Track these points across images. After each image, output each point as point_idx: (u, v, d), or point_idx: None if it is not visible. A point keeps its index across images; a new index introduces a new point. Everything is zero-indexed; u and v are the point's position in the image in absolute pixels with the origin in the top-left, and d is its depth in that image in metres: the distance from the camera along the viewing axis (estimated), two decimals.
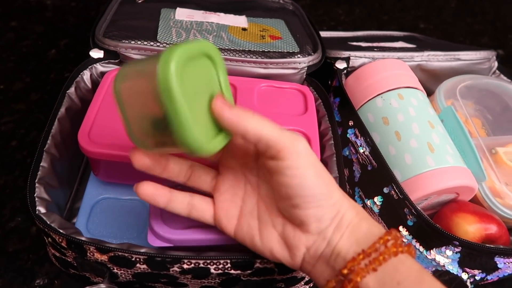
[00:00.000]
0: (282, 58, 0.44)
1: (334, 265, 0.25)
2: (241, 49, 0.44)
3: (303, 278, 0.33)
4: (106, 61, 0.43)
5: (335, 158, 0.38)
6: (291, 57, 0.45)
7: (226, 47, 0.44)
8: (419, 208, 0.35)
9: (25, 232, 0.39)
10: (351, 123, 0.43)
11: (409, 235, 0.37)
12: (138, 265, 0.30)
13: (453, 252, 0.35)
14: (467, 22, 0.81)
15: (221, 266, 0.30)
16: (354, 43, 0.58)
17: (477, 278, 0.37)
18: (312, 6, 0.78)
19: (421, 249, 0.36)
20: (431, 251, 0.36)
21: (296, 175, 0.25)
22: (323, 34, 0.65)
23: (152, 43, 0.43)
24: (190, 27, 0.47)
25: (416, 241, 0.36)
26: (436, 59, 0.50)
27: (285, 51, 0.45)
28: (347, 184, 0.40)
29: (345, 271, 0.24)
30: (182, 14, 0.51)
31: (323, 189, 0.25)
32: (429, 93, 0.48)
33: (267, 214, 0.27)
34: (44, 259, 0.38)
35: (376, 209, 0.39)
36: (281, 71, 0.45)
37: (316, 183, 0.25)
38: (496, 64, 0.54)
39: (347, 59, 0.48)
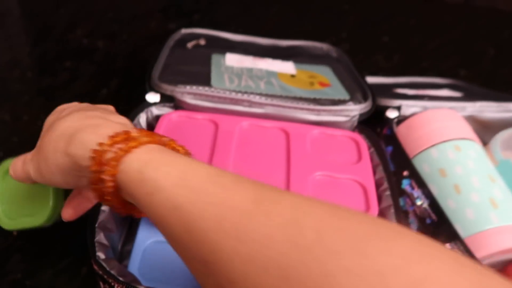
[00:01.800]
0: (334, 105, 0.44)
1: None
2: (292, 95, 0.45)
3: None
4: (161, 104, 0.44)
5: (393, 210, 0.37)
6: (342, 105, 0.45)
7: (278, 94, 0.45)
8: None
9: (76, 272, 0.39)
10: (405, 173, 0.42)
11: None
12: None
13: None
14: (507, 71, 0.81)
15: None
16: (399, 90, 0.58)
17: None
18: (351, 52, 0.79)
19: None
20: None
21: None
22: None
23: (206, 89, 0.44)
24: (241, 73, 0.48)
25: None
26: (488, 110, 0.50)
27: (336, 98, 0.46)
28: None
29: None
30: (232, 59, 0.52)
31: None
32: (483, 143, 0.47)
33: None
34: None
35: None
36: (333, 119, 0.45)
37: None
38: None
39: (398, 108, 0.48)
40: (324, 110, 0.44)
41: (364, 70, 0.74)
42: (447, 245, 0.36)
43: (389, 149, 0.45)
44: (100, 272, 0.30)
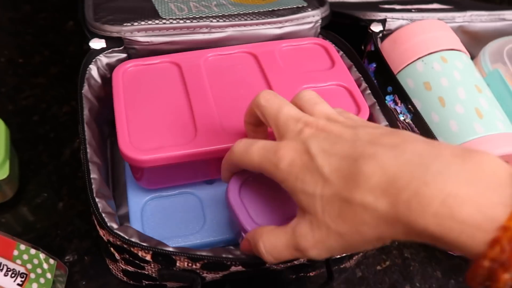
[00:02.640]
0: (294, 14, 0.41)
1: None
2: (250, 11, 0.41)
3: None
4: (110, 49, 0.38)
5: (378, 107, 0.36)
6: (303, 12, 0.42)
7: (234, 13, 0.41)
8: None
9: (52, 208, 0.38)
10: (389, 89, 0.40)
11: None
12: (232, 267, 0.28)
13: None
14: None
15: None
16: (387, 6, 0.54)
17: None
18: None
19: None
20: None
21: None
22: None
23: (157, 21, 0.38)
24: (187, 0, 0.43)
25: None
26: (479, 19, 0.47)
27: (294, 6, 0.42)
28: None
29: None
30: None
31: None
32: (472, 57, 0.45)
33: None
34: (72, 235, 0.37)
35: None
36: (296, 28, 0.42)
37: None
38: None
39: (383, 21, 0.44)
40: (286, 21, 0.41)
41: None
42: None
43: (373, 65, 0.43)
44: (119, 243, 0.28)
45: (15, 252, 0.31)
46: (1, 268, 0.30)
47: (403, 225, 0.19)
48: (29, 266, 0.31)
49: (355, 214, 0.20)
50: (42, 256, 0.31)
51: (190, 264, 0.28)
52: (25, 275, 0.30)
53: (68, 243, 0.36)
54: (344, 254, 0.33)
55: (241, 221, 0.27)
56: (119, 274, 0.32)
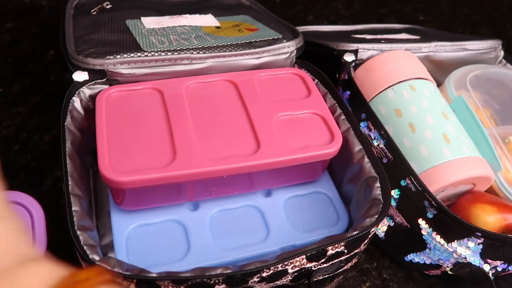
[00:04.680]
0: (270, 46, 0.44)
1: None
2: (228, 43, 0.43)
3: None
4: (92, 82, 0.39)
5: (352, 131, 0.39)
6: (279, 43, 0.44)
7: (213, 45, 0.43)
8: (439, 200, 0.35)
9: None
10: (363, 116, 0.42)
11: (429, 227, 0.36)
12: (216, 286, 0.29)
13: (475, 244, 0.34)
14: (464, 13, 0.81)
15: (297, 263, 0.30)
16: (358, 36, 0.57)
17: (499, 269, 0.37)
18: (310, 1, 0.77)
19: (442, 241, 0.36)
20: (452, 243, 0.35)
21: None
22: (324, 28, 0.64)
23: (139, 54, 0.39)
24: (167, 33, 0.44)
25: (436, 234, 0.36)
26: (443, 49, 0.50)
27: (270, 38, 0.45)
28: None
29: None
30: (151, 22, 0.47)
31: None
32: (438, 84, 0.48)
33: None
34: None
35: (393, 203, 0.39)
36: (273, 58, 0.44)
37: None
38: (502, 53, 0.54)
39: (355, 52, 0.47)
40: (263, 51, 0.43)
41: (324, 18, 0.73)
42: (402, 181, 0.37)
43: (347, 93, 0.45)
44: None
45: None
46: None
47: None
48: None
49: None
50: None
51: None
52: None
53: None
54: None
55: None
56: None
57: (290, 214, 0.38)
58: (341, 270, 0.36)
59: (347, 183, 0.40)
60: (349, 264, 0.36)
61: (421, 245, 0.37)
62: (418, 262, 0.39)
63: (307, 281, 0.32)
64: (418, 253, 0.38)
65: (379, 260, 0.40)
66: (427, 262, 0.38)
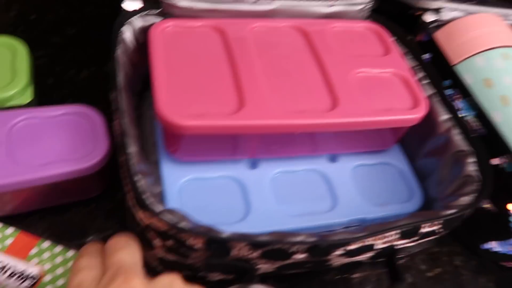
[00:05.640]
0: None
1: None
2: None
3: None
4: (144, 12, 0.34)
5: (438, 98, 0.34)
6: None
7: None
8: None
9: None
10: (445, 83, 0.37)
11: None
12: (294, 256, 0.25)
13: None
14: None
15: (388, 239, 0.26)
16: None
17: None
18: None
19: None
20: None
21: None
22: None
23: None
24: None
25: None
26: None
27: None
28: None
29: None
30: None
31: None
32: None
33: None
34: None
35: None
36: (345, 8, 0.39)
37: None
38: None
39: (437, 11, 0.42)
40: None
41: None
42: (497, 159, 0.32)
43: (425, 57, 0.40)
44: (165, 228, 0.24)
45: (33, 251, 0.27)
46: (4, 271, 0.26)
47: None
48: (47, 266, 0.27)
49: None
50: (70, 253, 0.28)
51: (248, 253, 0.24)
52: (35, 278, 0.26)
53: (90, 223, 0.32)
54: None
55: None
56: (153, 263, 0.28)
57: (359, 184, 0.34)
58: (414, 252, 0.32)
59: (425, 157, 0.35)
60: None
61: (506, 233, 0.33)
62: (497, 251, 0.34)
63: (385, 260, 0.28)
64: (502, 241, 0.34)
65: (450, 245, 0.36)
66: (510, 252, 0.34)
